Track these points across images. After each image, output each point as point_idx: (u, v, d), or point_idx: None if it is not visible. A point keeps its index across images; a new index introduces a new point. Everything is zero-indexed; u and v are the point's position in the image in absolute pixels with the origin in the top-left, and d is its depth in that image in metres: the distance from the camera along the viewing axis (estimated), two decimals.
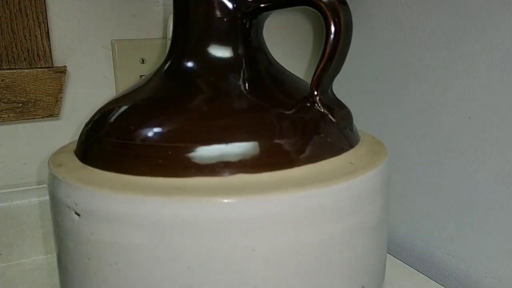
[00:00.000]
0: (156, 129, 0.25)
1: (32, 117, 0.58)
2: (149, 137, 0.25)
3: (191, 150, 0.24)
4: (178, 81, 0.27)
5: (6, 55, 0.56)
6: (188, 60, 0.27)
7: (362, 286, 0.26)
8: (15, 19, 0.56)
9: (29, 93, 0.57)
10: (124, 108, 0.27)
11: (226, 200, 0.22)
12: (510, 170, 0.45)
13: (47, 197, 0.56)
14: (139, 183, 0.23)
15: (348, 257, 0.25)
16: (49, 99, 0.59)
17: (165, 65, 0.28)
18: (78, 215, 0.24)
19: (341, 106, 0.28)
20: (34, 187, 0.59)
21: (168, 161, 0.24)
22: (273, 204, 0.22)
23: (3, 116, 0.57)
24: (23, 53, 0.57)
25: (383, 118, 0.59)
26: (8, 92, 0.56)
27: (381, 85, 0.58)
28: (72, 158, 0.28)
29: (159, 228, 0.22)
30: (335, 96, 0.28)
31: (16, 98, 0.57)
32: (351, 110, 0.29)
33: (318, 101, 0.27)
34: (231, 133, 0.24)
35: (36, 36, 0.57)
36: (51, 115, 0.59)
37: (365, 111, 0.61)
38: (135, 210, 0.22)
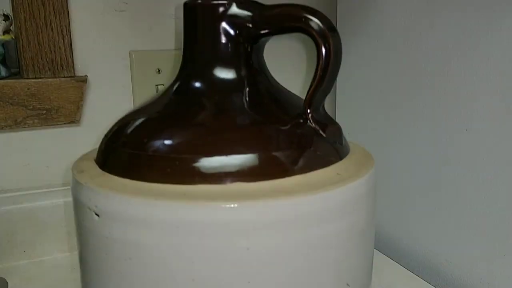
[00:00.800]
0: (166, 142, 0.28)
1: (55, 123, 0.62)
2: (159, 149, 0.28)
3: (196, 161, 0.27)
4: (186, 99, 0.31)
5: (32, 65, 0.60)
6: (196, 81, 0.31)
7: (347, 284, 0.29)
8: (41, 32, 0.60)
9: (53, 101, 0.61)
10: (138, 122, 0.31)
11: (225, 205, 0.25)
12: (505, 177, 0.47)
13: (68, 199, 0.60)
14: (150, 188, 0.27)
15: (335, 257, 0.28)
16: (71, 106, 0.63)
17: (175, 84, 0.32)
18: (98, 215, 0.28)
19: (332, 122, 0.31)
20: (55, 189, 0.63)
21: (176, 170, 0.27)
22: (266, 209, 0.26)
23: (28, 122, 0.61)
24: (47, 64, 0.61)
25: (382, 124, 0.61)
26: (34, 100, 0.60)
27: (384, 96, 0.61)
28: (93, 165, 0.31)
29: (166, 229, 0.26)
30: (326, 113, 0.32)
31: (40, 105, 0.61)
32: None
33: (310, 118, 0.30)
34: (231, 146, 0.28)
35: (60, 47, 0.61)
36: (72, 122, 0.63)
37: (366, 119, 0.64)
38: (146, 212, 0.26)
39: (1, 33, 0.59)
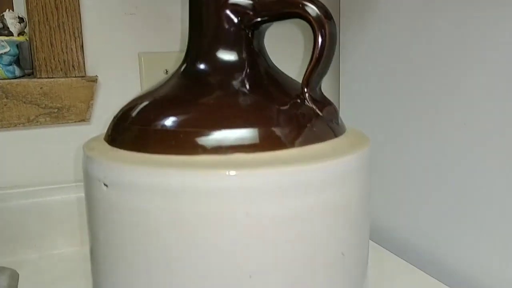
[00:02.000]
0: (171, 118, 0.30)
1: (66, 122, 0.64)
2: (165, 124, 0.30)
3: (198, 134, 0.29)
4: (191, 79, 0.33)
5: (45, 65, 0.63)
6: (200, 63, 0.33)
7: (342, 253, 0.31)
8: (54, 34, 0.63)
9: (64, 100, 0.64)
10: (145, 102, 0.33)
11: (226, 173, 0.27)
12: (503, 168, 0.49)
13: (78, 194, 0.62)
14: (156, 159, 0.29)
15: (330, 226, 0.30)
16: (81, 105, 0.65)
17: (181, 67, 0.34)
18: (106, 186, 0.29)
19: (328, 102, 0.33)
20: (66, 185, 0.65)
21: (180, 142, 0.29)
22: (264, 177, 0.28)
23: (40, 120, 0.63)
24: (59, 64, 0.63)
25: (383, 117, 0.63)
26: (46, 99, 0.63)
27: (386, 87, 0.63)
28: (103, 143, 0.33)
29: (170, 195, 0.27)
30: (323, 94, 0.34)
31: (52, 104, 0.63)
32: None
33: (307, 97, 0.32)
34: (232, 121, 0.30)
35: (71, 49, 0.64)
36: (82, 120, 0.65)
37: (367, 110, 0.66)
38: (152, 181, 0.28)
39: (16, 35, 0.62)
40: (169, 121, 0.30)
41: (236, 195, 0.27)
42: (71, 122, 0.65)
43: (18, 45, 0.62)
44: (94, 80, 0.65)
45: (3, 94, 0.61)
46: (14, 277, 0.58)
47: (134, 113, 0.32)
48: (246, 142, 0.29)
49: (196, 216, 0.27)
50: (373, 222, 0.67)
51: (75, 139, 0.66)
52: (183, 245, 0.28)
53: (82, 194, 0.64)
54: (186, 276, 0.28)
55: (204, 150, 0.29)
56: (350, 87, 0.69)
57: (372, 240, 0.65)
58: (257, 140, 0.29)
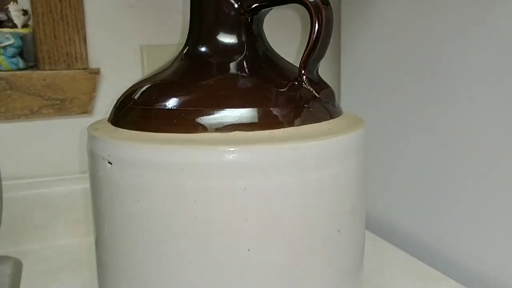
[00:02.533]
0: (173, 98, 0.31)
1: (68, 114, 0.65)
2: (167, 104, 0.31)
3: (199, 113, 0.30)
4: (192, 62, 0.34)
5: (48, 57, 0.64)
6: (201, 46, 0.34)
7: (338, 230, 0.32)
8: (57, 26, 0.64)
9: (67, 92, 0.65)
10: (148, 84, 0.34)
11: (225, 149, 0.28)
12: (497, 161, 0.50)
13: (81, 185, 0.63)
14: (158, 137, 0.30)
15: (325, 203, 0.31)
16: (84, 97, 0.66)
17: (183, 50, 0.35)
18: (110, 163, 0.31)
19: (325, 85, 0.34)
20: (68, 176, 0.66)
21: (181, 121, 0.30)
22: (261, 153, 0.29)
23: (43, 112, 0.64)
24: (62, 56, 0.64)
25: (382, 107, 0.64)
26: (49, 90, 0.64)
27: (386, 79, 0.64)
28: (107, 125, 0.34)
29: (171, 171, 0.28)
30: (320, 77, 0.35)
31: (55, 96, 0.64)
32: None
33: (304, 79, 0.33)
34: (232, 101, 0.31)
35: (74, 41, 0.65)
36: (85, 112, 0.66)
37: (367, 100, 0.67)
38: (154, 157, 0.29)
39: (20, 27, 0.63)
40: (171, 101, 0.31)
41: (235, 171, 0.28)
42: (74, 114, 0.66)
43: (22, 37, 0.63)
44: (96, 72, 0.66)
45: (7, 86, 0.62)
46: (17, 265, 0.59)
47: (137, 95, 0.33)
48: (245, 121, 0.30)
49: (196, 191, 0.28)
50: (370, 213, 0.68)
51: (78, 131, 0.67)
52: (184, 220, 0.29)
53: (87, 185, 0.65)
54: (186, 250, 0.29)
55: (205, 128, 0.30)
56: (350, 78, 0.70)
57: (370, 231, 0.66)
58: (255, 120, 0.30)
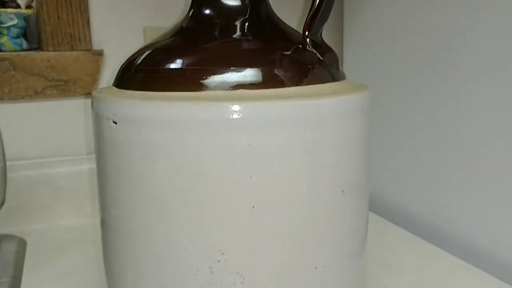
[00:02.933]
0: (178, 58, 0.31)
1: (72, 95, 0.65)
2: (172, 64, 0.31)
3: (204, 72, 0.30)
4: (197, 24, 0.34)
5: (52, 38, 0.64)
6: (205, 9, 0.34)
7: (342, 190, 0.32)
8: (61, 7, 0.64)
9: (70, 73, 0.65)
10: (153, 48, 0.34)
11: (229, 105, 0.28)
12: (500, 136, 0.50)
13: (84, 166, 0.63)
14: (162, 95, 0.30)
15: (328, 162, 0.31)
16: (87, 78, 0.66)
17: (188, 13, 0.35)
18: (115, 123, 0.31)
19: (329, 49, 0.34)
20: (72, 157, 0.66)
21: (186, 80, 0.30)
22: (266, 110, 0.29)
23: (47, 92, 0.64)
24: (66, 37, 0.64)
25: (385, 78, 0.64)
26: (53, 71, 0.64)
27: (389, 47, 0.64)
28: (111, 88, 0.35)
29: (176, 127, 0.29)
30: (324, 41, 0.35)
31: (59, 77, 0.64)
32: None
33: (308, 42, 0.33)
34: (236, 61, 0.31)
35: (78, 22, 0.65)
36: (89, 93, 0.66)
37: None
38: (158, 113, 0.29)
39: (24, 7, 0.63)
40: (176, 62, 0.31)
41: (239, 127, 0.28)
42: (78, 95, 0.66)
43: (26, 18, 0.63)
44: (100, 53, 0.66)
45: (10, 66, 0.62)
46: (22, 244, 0.59)
47: (141, 58, 0.33)
48: (250, 81, 0.30)
49: (201, 147, 0.29)
50: (373, 194, 0.68)
51: (82, 113, 0.67)
52: (188, 176, 0.29)
53: (91, 166, 0.65)
54: (191, 207, 0.29)
55: (210, 87, 0.30)
56: (353, 47, 0.70)
57: (373, 212, 0.66)
58: (260, 79, 0.30)
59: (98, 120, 0.32)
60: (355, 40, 0.69)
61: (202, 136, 0.29)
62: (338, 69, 0.35)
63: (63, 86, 0.65)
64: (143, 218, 0.31)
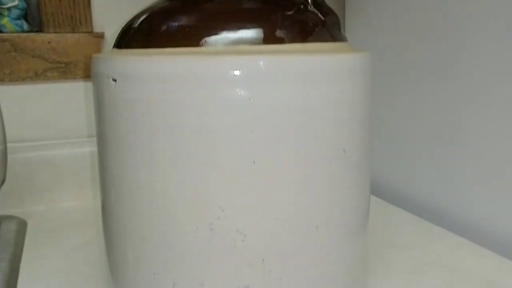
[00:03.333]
0: (178, 16, 0.31)
1: (73, 77, 0.65)
2: (172, 22, 0.31)
3: (203, 28, 0.30)
4: None
5: (53, 20, 0.64)
6: None
7: (344, 149, 0.31)
8: None
9: (71, 55, 0.65)
10: (153, 9, 0.34)
11: (230, 58, 0.28)
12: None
13: (84, 149, 0.63)
14: (162, 50, 0.30)
15: (329, 119, 0.30)
16: (88, 61, 0.66)
17: None
18: (115, 80, 0.30)
19: (331, 11, 0.34)
20: (73, 140, 0.66)
21: (186, 36, 0.30)
22: (267, 64, 0.28)
23: (48, 74, 0.64)
24: (67, 19, 0.64)
25: (389, 47, 0.64)
26: (53, 54, 0.64)
27: (392, 17, 0.64)
28: (111, 50, 0.34)
29: (177, 82, 0.28)
30: (326, 3, 0.34)
31: (60, 59, 0.64)
32: None
33: (310, 2, 0.33)
34: (236, 18, 0.31)
35: (79, 4, 0.65)
36: (89, 76, 0.66)
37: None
38: (158, 69, 0.29)
39: None
40: (176, 20, 0.31)
41: (239, 81, 0.28)
42: (78, 78, 0.66)
43: (26, 0, 0.63)
44: (101, 36, 0.66)
45: (11, 48, 0.62)
46: (22, 224, 0.59)
47: (141, 19, 0.33)
48: (250, 37, 0.30)
49: (201, 101, 0.28)
50: (374, 178, 0.68)
51: (82, 95, 0.67)
52: (188, 131, 0.29)
53: (92, 149, 0.65)
54: (191, 163, 0.29)
55: (210, 43, 0.30)
56: (355, 14, 0.70)
57: (374, 195, 0.66)
58: (261, 36, 0.30)
59: (98, 81, 0.32)
60: (357, 7, 0.69)
61: (202, 90, 0.28)
62: (339, 31, 0.35)
63: (63, 68, 0.65)
64: (143, 176, 0.30)
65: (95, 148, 0.35)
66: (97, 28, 0.66)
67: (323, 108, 0.30)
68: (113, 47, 0.35)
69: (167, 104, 0.29)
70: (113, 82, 0.31)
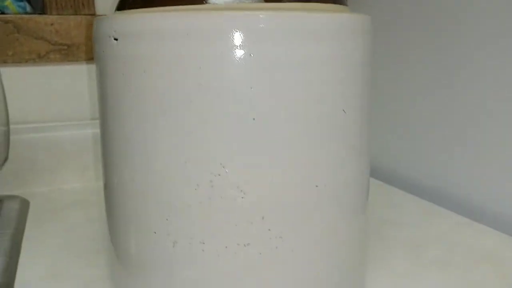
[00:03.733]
0: None
1: (75, 60, 0.66)
2: None
3: None
4: None
5: (55, 2, 0.64)
6: None
7: (343, 110, 0.31)
8: None
9: (74, 38, 0.65)
10: None
11: (230, 14, 0.28)
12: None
13: (87, 130, 0.63)
14: (162, 8, 0.30)
15: (329, 78, 0.30)
16: (90, 43, 0.66)
17: None
18: (116, 39, 0.31)
19: None
20: (76, 122, 0.66)
21: None
22: (267, 19, 0.28)
23: (51, 56, 0.64)
24: (69, 2, 0.65)
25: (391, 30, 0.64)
26: (56, 36, 0.64)
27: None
28: (113, 12, 0.35)
29: (177, 37, 0.29)
30: None
31: (62, 41, 0.65)
32: None
33: None
34: None
35: None
36: (91, 58, 0.66)
37: None
38: (159, 25, 0.29)
39: None
40: None
41: (240, 36, 0.28)
42: (81, 60, 0.66)
43: None
44: None
45: (14, 29, 0.62)
46: (24, 203, 0.59)
47: None
48: None
49: (201, 57, 0.28)
50: (373, 162, 0.68)
51: (85, 78, 0.67)
52: (188, 87, 0.29)
53: (95, 131, 0.65)
54: (191, 120, 0.29)
55: (210, 1, 0.30)
56: None
57: (375, 178, 0.66)
58: None
59: (99, 43, 0.32)
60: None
61: (202, 46, 0.28)
62: None
63: (66, 51, 0.65)
64: (143, 133, 0.30)
65: (97, 130, 0.36)
66: (99, 11, 0.67)
67: (323, 66, 0.30)
68: (115, 10, 0.35)
69: (168, 60, 0.29)
70: (114, 41, 0.31)
